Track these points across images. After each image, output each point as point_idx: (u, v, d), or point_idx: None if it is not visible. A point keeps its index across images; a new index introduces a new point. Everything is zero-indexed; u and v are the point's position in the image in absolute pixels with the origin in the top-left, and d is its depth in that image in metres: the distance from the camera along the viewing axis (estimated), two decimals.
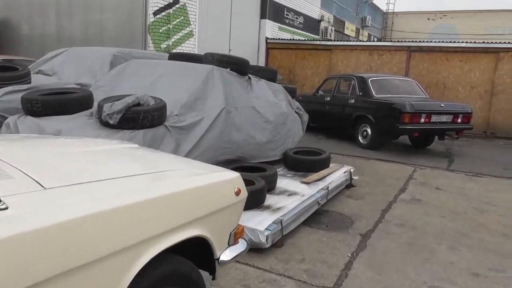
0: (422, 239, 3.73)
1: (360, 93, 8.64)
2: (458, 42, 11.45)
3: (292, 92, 6.82)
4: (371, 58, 12.59)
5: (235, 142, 4.56)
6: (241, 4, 12.95)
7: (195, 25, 10.69)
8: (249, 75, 5.39)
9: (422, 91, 9.04)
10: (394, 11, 28.03)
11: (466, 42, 11.40)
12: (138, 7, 9.55)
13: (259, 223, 3.31)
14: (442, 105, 7.84)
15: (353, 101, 8.72)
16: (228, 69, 5.02)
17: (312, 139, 9.50)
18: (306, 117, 6.79)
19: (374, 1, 24.73)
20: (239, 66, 5.17)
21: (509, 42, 10.84)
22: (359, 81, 8.77)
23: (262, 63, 14.19)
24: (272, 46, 14.12)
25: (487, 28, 24.53)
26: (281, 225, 3.40)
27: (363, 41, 16.21)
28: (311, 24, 17.37)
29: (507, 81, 10.89)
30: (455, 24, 26.06)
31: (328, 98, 9.54)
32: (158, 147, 3.52)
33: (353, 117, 8.61)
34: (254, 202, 3.58)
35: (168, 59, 5.74)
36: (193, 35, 10.68)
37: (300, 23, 16.35)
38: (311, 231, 3.79)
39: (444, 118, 7.76)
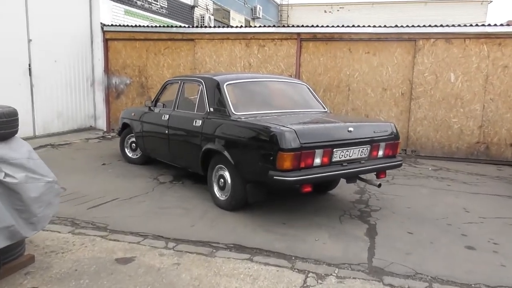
0: None
1: (211, 109, 4.84)
2: (364, 27, 8.26)
3: (4, 123, 2.79)
4: (250, 51, 8.93)
5: None
6: None
7: None
8: None
9: (318, 101, 5.48)
10: (289, 2, 25.18)
11: (374, 27, 8.23)
12: None
13: None
14: (351, 128, 4.25)
15: (199, 123, 4.88)
16: None
17: (149, 184, 5.50)
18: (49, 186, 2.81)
19: None
20: None
21: (429, 25, 7.82)
22: (210, 87, 4.95)
23: (99, 59, 9.83)
24: (112, 36, 9.76)
25: (386, 21, 22.62)
26: None
27: (237, 26, 12.21)
28: (179, 10, 13.30)
29: (429, 79, 7.89)
30: (353, 17, 23.89)
31: (167, 117, 5.61)
32: None
33: (202, 153, 4.78)
34: None
35: None
36: None
37: (161, 7, 12.19)
38: None
39: (356, 153, 4.23)
